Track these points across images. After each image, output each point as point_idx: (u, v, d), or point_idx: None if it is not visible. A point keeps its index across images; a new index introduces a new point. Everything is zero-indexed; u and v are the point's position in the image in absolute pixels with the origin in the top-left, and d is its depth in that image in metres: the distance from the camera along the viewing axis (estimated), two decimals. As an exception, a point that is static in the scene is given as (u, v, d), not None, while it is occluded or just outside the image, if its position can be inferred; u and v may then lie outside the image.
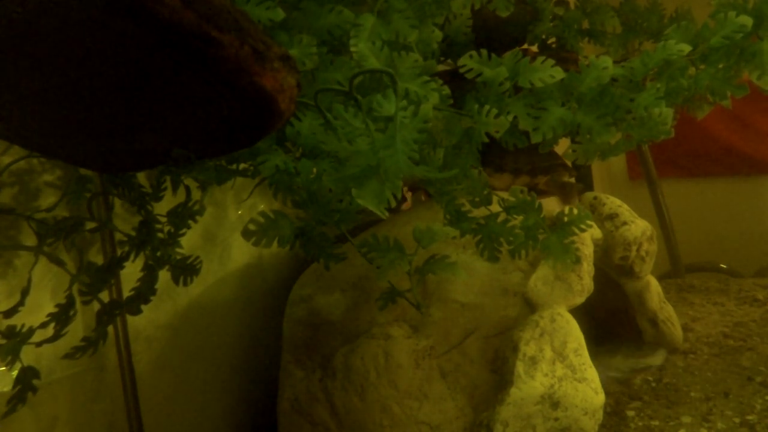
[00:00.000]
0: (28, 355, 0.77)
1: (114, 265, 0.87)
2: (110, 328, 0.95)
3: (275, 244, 0.72)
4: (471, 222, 0.89)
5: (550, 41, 1.27)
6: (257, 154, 0.67)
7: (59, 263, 0.79)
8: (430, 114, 0.60)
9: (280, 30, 0.66)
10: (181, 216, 0.91)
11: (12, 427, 0.81)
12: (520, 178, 1.32)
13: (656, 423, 1.08)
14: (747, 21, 0.82)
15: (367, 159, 0.55)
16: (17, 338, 0.74)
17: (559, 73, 0.77)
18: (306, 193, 0.70)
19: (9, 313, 0.76)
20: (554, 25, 1.23)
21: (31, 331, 0.76)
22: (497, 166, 1.31)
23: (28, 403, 0.77)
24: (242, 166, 0.86)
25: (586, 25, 1.24)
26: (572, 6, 1.27)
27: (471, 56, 0.78)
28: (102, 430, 0.96)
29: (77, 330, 0.89)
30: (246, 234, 0.72)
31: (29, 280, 0.77)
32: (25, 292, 0.76)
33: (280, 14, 0.61)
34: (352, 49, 0.66)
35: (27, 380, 0.75)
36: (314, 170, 0.65)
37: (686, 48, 0.81)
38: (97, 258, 0.95)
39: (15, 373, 0.76)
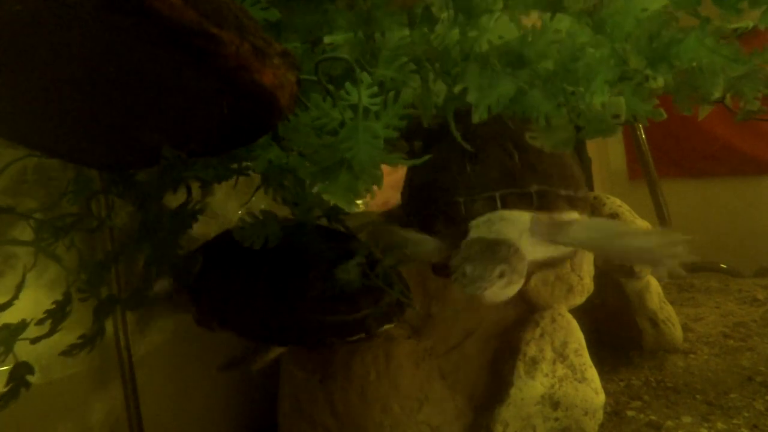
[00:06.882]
0: (29, 355, 0.76)
1: (111, 261, 0.87)
2: (111, 329, 0.95)
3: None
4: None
5: None
6: (253, 149, 0.66)
7: (56, 259, 0.79)
8: (410, 99, 0.55)
9: (269, 29, 0.65)
10: (182, 215, 0.91)
11: (12, 427, 0.81)
12: None
13: (656, 423, 1.07)
14: None
15: (335, 152, 0.52)
16: (10, 332, 0.73)
17: (511, 32, 0.62)
18: (294, 190, 0.69)
19: (3, 307, 0.75)
20: None
21: (24, 325, 0.74)
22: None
23: (28, 403, 0.76)
24: (244, 163, 0.85)
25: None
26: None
27: (443, 22, 0.65)
28: (102, 430, 0.96)
29: (77, 330, 0.89)
30: (236, 232, 0.73)
31: (24, 276, 0.77)
32: (19, 287, 0.76)
33: (275, 14, 0.59)
34: (326, 40, 0.64)
35: (20, 376, 0.74)
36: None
37: None
38: (98, 256, 0.95)
39: (8, 368, 0.75)
